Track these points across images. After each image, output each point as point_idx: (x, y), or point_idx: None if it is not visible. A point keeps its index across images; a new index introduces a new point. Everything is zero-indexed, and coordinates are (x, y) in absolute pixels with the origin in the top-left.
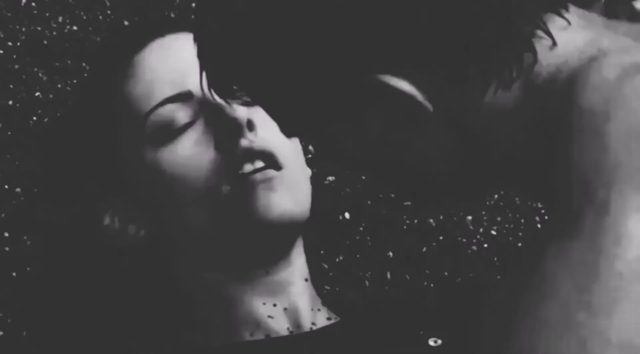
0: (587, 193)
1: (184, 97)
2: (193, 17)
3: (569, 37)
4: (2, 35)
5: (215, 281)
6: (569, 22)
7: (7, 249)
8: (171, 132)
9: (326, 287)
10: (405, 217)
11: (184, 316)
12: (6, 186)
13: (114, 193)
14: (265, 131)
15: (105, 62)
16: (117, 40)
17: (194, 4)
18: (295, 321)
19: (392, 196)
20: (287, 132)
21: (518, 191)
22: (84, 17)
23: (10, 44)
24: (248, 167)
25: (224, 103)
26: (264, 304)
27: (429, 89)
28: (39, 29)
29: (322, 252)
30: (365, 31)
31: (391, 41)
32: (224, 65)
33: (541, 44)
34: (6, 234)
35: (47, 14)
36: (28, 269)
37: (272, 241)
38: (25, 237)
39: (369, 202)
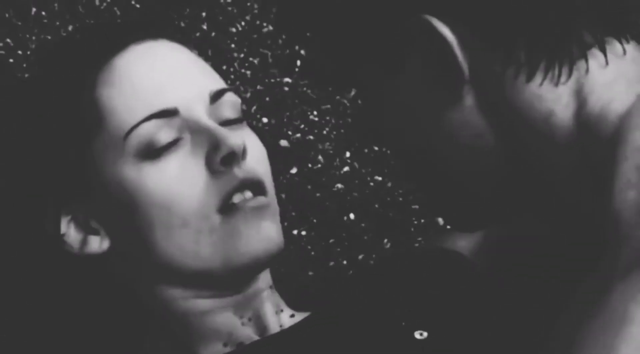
0: None
1: (169, 113)
2: None
3: (621, 70)
4: (12, 44)
5: (181, 298)
6: (624, 52)
7: None
8: (155, 150)
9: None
10: (413, 218)
11: (148, 333)
12: None
13: (78, 201)
14: (251, 156)
15: (78, 60)
16: (90, 37)
17: (204, 14)
18: (263, 327)
19: (400, 199)
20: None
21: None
22: None
23: (20, 52)
24: (238, 197)
25: (215, 126)
26: (234, 314)
27: (473, 54)
28: (49, 37)
29: (326, 255)
30: None
31: None
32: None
33: (596, 61)
34: None
35: (57, 23)
36: None
37: (254, 269)
38: None
39: (376, 205)
